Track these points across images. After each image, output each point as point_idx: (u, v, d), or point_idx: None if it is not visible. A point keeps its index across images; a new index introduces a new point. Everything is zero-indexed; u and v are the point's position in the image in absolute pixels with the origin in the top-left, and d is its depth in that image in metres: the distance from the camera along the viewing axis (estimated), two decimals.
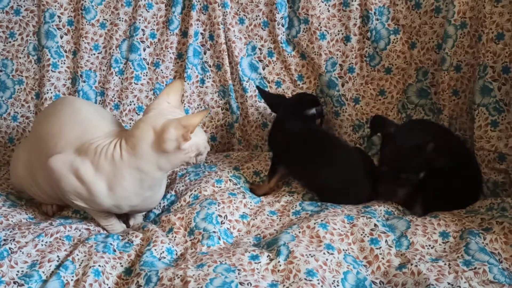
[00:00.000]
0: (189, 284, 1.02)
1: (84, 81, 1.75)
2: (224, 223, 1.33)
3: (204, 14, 1.76)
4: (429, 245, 1.19)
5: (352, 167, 1.45)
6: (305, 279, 1.04)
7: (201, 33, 1.78)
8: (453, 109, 1.59)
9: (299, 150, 1.49)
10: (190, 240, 1.28)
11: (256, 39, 1.77)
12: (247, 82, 1.78)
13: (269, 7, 1.74)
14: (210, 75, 1.79)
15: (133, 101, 1.77)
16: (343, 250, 1.17)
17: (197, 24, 1.76)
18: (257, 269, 1.09)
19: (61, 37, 1.75)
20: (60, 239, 1.26)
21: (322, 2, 1.69)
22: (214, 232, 1.27)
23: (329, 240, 1.19)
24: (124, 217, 1.45)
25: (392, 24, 1.65)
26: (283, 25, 1.74)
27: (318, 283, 1.03)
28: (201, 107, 1.81)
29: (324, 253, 1.13)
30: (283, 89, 1.79)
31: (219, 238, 1.27)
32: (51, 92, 1.75)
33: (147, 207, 1.40)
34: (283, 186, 1.56)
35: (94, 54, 1.76)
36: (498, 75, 1.47)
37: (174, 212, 1.39)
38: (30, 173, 1.41)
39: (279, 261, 1.10)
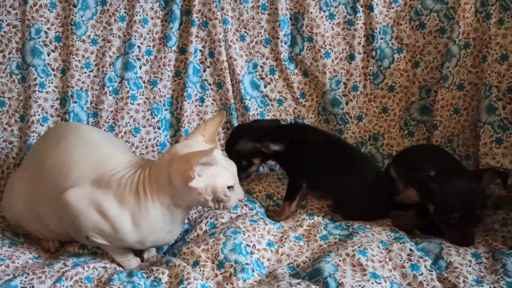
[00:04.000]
0: None
1: (75, 102, 1.62)
2: (253, 253, 1.28)
3: (204, 31, 1.69)
4: (466, 264, 1.21)
5: (378, 177, 1.46)
6: None
7: (200, 50, 1.70)
8: (453, 127, 1.65)
9: (322, 160, 1.46)
10: (221, 273, 1.22)
11: (258, 56, 1.73)
12: (249, 100, 1.73)
13: (271, 24, 1.71)
14: (210, 93, 1.73)
15: (129, 122, 1.66)
16: (387, 277, 1.16)
17: (196, 40, 1.69)
18: None
19: (48, 54, 1.61)
20: (81, 281, 1.16)
21: (327, 20, 1.68)
22: (247, 264, 1.22)
23: (371, 268, 1.17)
24: (137, 251, 1.36)
25: (396, 43, 1.67)
26: (285, 43, 1.71)
27: None
28: None
29: (372, 283, 1.11)
30: (284, 107, 1.76)
31: (253, 270, 1.21)
32: (38, 114, 1.60)
33: (168, 241, 1.31)
34: (298, 208, 1.54)
35: (85, 72, 1.63)
36: (503, 95, 1.53)
37: (196, 243, 1.32)
38: (31, 207, 1.28)
39: None
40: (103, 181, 1.19)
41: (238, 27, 1.71)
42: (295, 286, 1.10)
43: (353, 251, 1.23)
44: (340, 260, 1.20)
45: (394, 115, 1.72)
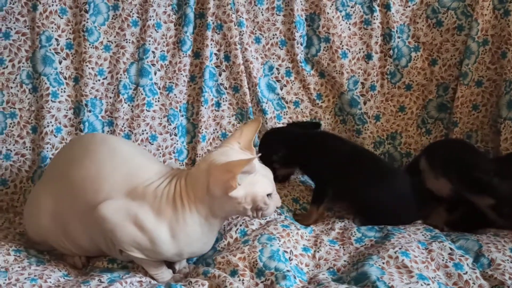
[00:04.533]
0: None
1: (90, 111, 1.56)
2: (292, 259, 1.26)
3: (218, 34, 1.66)
4: (507, 260, 1.21)
5: (404, 186, 1.45)
6: None
7: (215, 54, 1.67)
8: (472, 123, 1.66)
9: (349, 169, 1.45)
10: (262, 282, 1.18)
11: (274, 58, 1.71)
12: (266, 103, 1.70)
13: (286, 26, 1.68)
14: (226, 97, 1.69)
15: (145, 130, 1.62)
16: (433, 278, 1.15)
17: (211, 44, 1.65)
18: None
19: (60, 63, 1.54)
20: None
21: (343, 20, 1.67)
22: (288, 271, 1.19)
23: (417, 269, 1.16)
24: (168, 262, 1.32)
25: (413, 42, 1.67)
26: (301, 44, 1.69)
27: None
28: (217, 132, 1.70)
29: (421, 285, 1.10)
30: (301, 109, 1.74)
31: (295, 277, 1.19)
32: (52, 125, 1.54)
33: (203, 252, 1.27)
34: (325, 211, 1.52)
35: (99, 80, 1.58)
36: None
37: (230, 251, 1.28)
38: (59, 223, 1.23)
39: None
40: (138, 193, 1.14)
41: (253, 29, 1.69)
42: None
43: (395, 252, 1.21)
44: (384, 263, 1.18)
45: (411, 114, 1.72)
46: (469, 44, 1.59)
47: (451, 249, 1.24)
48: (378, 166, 1.50)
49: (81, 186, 1.18)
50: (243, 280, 1.20)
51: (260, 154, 1.06)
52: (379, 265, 1.18)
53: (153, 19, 1.60)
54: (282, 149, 1.48)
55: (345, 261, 1.28)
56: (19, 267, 1.20)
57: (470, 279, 1.16)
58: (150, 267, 1.24)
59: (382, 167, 1.48)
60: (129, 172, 1.18)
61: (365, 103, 1.71)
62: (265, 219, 1.42)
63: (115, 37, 1.58)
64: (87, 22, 1.53)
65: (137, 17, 1.60)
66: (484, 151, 1.64)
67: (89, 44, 1.55)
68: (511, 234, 1.33)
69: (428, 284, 1.11)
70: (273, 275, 1.19)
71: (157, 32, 1.61)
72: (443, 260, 1.21)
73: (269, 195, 1.15)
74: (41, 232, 1.27)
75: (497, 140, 1.60)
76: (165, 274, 1.26)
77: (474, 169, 1.40)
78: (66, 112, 1.56)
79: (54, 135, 1.54)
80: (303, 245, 1.33)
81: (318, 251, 1.31)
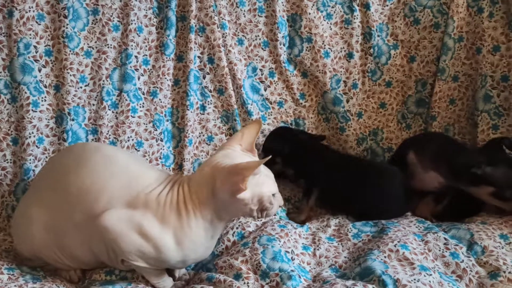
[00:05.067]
0: None
1: (73, 119, 1.51)
2: (294, 259, 1.27)
3: (201, 36, 1.64)
4: (499, 246, 1.27)
5: (392, 184, 1.49)
6: None
7: (199, 57, 1.65)
8: (449, 117, 1.72)
9: (336, 174, 1.51)
10: (267, 284, 1.19)
11: (257, 59, 1.71)
12: (251, 105, 1.70)
13: (269, 27, 1.69)
14: (211, 100, 1.68)
15: (131, 137, 1.58)
16: (432, 268, 1.19)
17: (194, 47, 1.63)
18: None
19: (40, 70, 1.48)
20: None
21: (324, 20, 1.69)
22: (292, 271, 1.20)
23: (417, 260, 1.20)
24: (168, 270, 1.30)
25: (392, 40, 1.72)
26: (284, 45, 1.70)
27: None
28: (203, 136, 1.68)
29: (424, 276, 1.14)
30: (285, 109, 1.75)
31: (299, 276, 1.20)
32: (34, 136, 1.47)
33: (205, 257, 1.26)
34: (318, 209, 1.54)
35: (81, 87, 1.52)
36: (497, 83, 1.62)
37: (230, 255, 1.28)
38: (54, 236, 1.18)
39: None
40: (140, 201, 1.12)
41: (236, 31, 1.68)
42: (352, 287, 1.10)
43: (395, 246, 1.25)
44: (385, 257, 1.22)
45: (392, 110, 1.77)
46: (445, 41, 1.65)
47: (445, 239, 1.30)
48: (364, 166, 1.59)
49: (78, 197, 1.14)
50: (248, 283, 1.20)
51: (270, 157, 1.05)
52: (381, 259, 1.21)
53: (135, 23, 1.56)
54: (287, 149, 1.56)
55: (345, 257, 1.31)
56: (15, 285, 1.15)
57: (467, 266, 1.21)
58: (151, 276, 1.22)
59: (367, 167, 1.57)
60: (127, 180, 1.15)
61: (347, 101, 1.74)
62: (260, 220, 1.43)
63: (96, 42, 1.54)
64: (66, 27, 1.48)
65: (118, 21, 1.55)
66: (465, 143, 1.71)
67: (70, 51, 1.49)
68: (497, 221, 1.40)
69: (430, 275, 1.15)
70: (278, 276, 1.19)
71: (139, 36, 1.58)
72: (439, 250, 1.26)
73: (273, 195, 1.15)
74: (34, 247, 1.22)
75: (474, 132, 1.67)
76: (167, 282, 1.24)
77: (468, 165, 1.46)
78: (48, 122, 1.50)
79: (37, 146, 1.48)
80: (303, 243, 1.35)
81: (318, 249, 1.33)
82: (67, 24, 1.48)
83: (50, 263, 1.25)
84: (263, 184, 1.12)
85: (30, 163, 1.47)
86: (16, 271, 1.22)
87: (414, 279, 1.12)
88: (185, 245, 1.13)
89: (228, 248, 1.35)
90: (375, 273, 1.15)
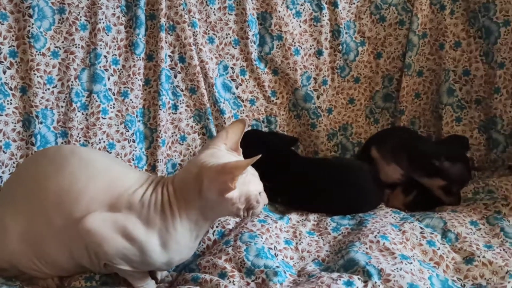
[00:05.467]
0: None
1: (41, 122, 1.45)
2: (277, 255, 1.28)
3: (171, 35, 1.62)
4: (470, 232, 1.33)
5: (363, 178, 1.54)
6: None
7: (169, 56, 1.63)
8: (415, 110, 1.79)
9: (305, 182, 1.53)
10: (253, 281, 1.19)
11: (228, 58, 1.70)
12: (223, 103, 1.70)
13: (239, 25, 1.69)
14: (183, 99, 1.66)
15: (102, 139, 1.54)
16: (411, 256, 1.23)
17: (165, 46, 1.61)
18: None
19: (4, 72, 1.42)
20: None
21: (294, 18, 1.71)
22: (277, 267, 1.21)
23: (397, 250, 1.24)
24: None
25: (359, 37, 1.76)
26: (254, 43, 1.71)
27: None
28: (176, 135, 1.66)
29: (406, 264, 1.18)
30: (257, 107, 1.76)
31: (284, 272, 1.21)
32: (0, 141, 1.41)
33: (188, 257, 1.25)
34: None
35: (49, 89, 1.47)
36: (459, 78, 1.70)
37: (212, 254, 1.28)
38: (31, 245, 1.13)
39: (375, 282, 1.11)
40: (122, 203, 1.10)
41: (206, 29, 1.67)
42: (339, 280, 1.12)
43: (375, 237, 1.29)
44: (367, 248, 1.25)
45: (360, 105, 1.82)
46: (410, 37, 1.72)
47: (421, 228, 1.35)
48: (332, 166, 1.63)
49: (56, 202, 1.10)
50: (233, 281, 1.20)
51: (259, 156, 1.05)
52: (363, 251, 1.24)
53: (103, 22, 1.52)
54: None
55: (327, 251, 1.33)
56: None
57: (443, 253, 1.26)
58: (135, 280, 1.19)
59: (335, 166, 1.61)
60: (108, 182, 1.12)
61: (318, 98, 1.77)
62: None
63: (63, 42, 1.48)
64: (31, 27, 1.42)
65: (86, 20, 1.51)
66: (427, 136, 1.78)
67: (36, 51, 1.43)
68: (466, 209, 1.47)
69: (411, 263, 1.19)
70: (263, 272, 1.20)
71: (108, 35, 1.54)
72: (416, 239, 1.30)
73: (259, 193, 1.16)
74: (9, 257, 1.16)
75: (439, 124, 1.75)
76: (150, 285, 1.22)
77: (428, 156, 1.52)
78: (15, 126, 1.44)
79: (3, 151, 1.42)
80: (284, 238, 1.36)
81: (300, 244, 1.35)
82: (32, 24, 1.42)
83: (26, 272, 1.20)
84: (250, 183, 1.12)
85: None
86: None
87: (397, 268, 1.15)
88: (171, 247, 1.12)
89: (210, 248, 1.35)
90: (359, 264, 1.17)
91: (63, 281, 1.26)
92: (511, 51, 1.62)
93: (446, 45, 1.69)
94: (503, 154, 1.70)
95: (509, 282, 1.12)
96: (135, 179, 1.16)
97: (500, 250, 1.24)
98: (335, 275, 1.16)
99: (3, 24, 1.41)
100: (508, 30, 1.62)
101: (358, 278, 1.13)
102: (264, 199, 1.18)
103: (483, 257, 1.21)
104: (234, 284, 1.19)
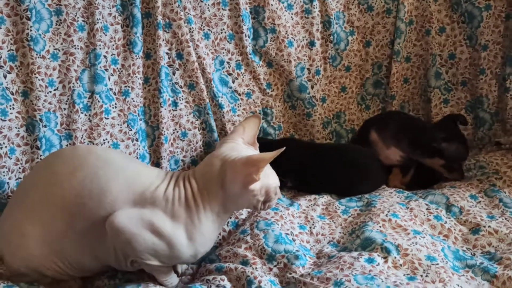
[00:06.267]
0: None
1: (45, 126, 1.44)
2: (295, 240, 1.32)
3: (168, 33, 1.63)
4: (472, 205, 1.42)
5: (367, 160, 1.60)
6: (432, 264, 1.14)
7: (167, 53, 1.64)
8: (404, 95, 1.87)
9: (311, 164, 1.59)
10: (275, 266, 1.23)
11: (223, 53, 1.73)
12: (221, 98, 1.72)
13: (233, 20, 1.71)
14: (182, 96, 1.67)
15: (106, 139, 1.53)
16: (422, 231, 1.30)
17: (163, 43, 1.62)
18: (382, 270, 1.14)
19: (5, 77, 1.39)
20: None
21: (286, 11, 1.75)
22: (297, 251, 1.25)
23: (409, 226, 1.31)
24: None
25: (348, 27, 1.82)
26: (249, 36, 1.74)
27: (442, 264, 1.15)
28: (177, 132, 1.68)
29: (419, 239, 1.25)
30: (253, 99, 1.80)
31: (304, 255, 1.26)
32: (5, 147, 1.39)
33: (209, 249, 1.27)
34: None
35: (51, 91, 1.46)
36: (445, 61, 1.79)
37: (231, 244, 1.31)
38: (53, 249, 1.13)
39: (395, 257, 1.18)
40: (146, 199, 1.11)
41: (201, 25, 1.69)
42: (360, 258, 1.18)
43: (386, 216, 1.35)
44: (380, 227, 1.31)
45: (352, 93, 1.88)
46: (398, 25, 1.79)
47: (426, 204, 1.42)
48: (336, 149, 1.70)
49: (77, 203, 1.10)
50: (256, 268, 1.23)
51: (284, 149, 1.08)
52: (378, 229, 1.30)
53: (100, 22, 1.52)
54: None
55: (340, 232, 1.38)
56: None
57: (450, 226, 1.34)
58: (161, 274, 1.21)
59: (338, 150, 1.69)
60: (128, 180, 1.13)
61: (312, 87, 1.82)
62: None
63: (62, 44, 1.47)
64: (30, 30, 1.40)
65: (83, 21, 1.50)
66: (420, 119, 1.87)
67: (36, 54, 1.42)
68: (463, 184, 1.56)
69: (424, 237, 1.26)
70: (284, 257, 1.24)
71: (106, 35, 1.53)
72: (424, 215, 1.38)
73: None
74: (30, 262, 1.15)
75: (427, 107, 1.83)
76: (174, 279, 1.25)
77: (428, 139, 1.60)
78: (18, 131, 1.42)
79: (9, 157, 1.40)
80: (298, 223, 1.41)
81: (313, 227, 1.40)
82: (31, 27, 1.40)
83: (48, 276, 1.20)
84: (269, 176, 1.17)
85: (4, 175, 1.38)
86: (15, 287, 1.16)
87: (412, 243, 1.22)
88: (196, 239, 1.14)
89: (226, 239, 1.38)
90: (376, 242, 1.23)
91: (85, 282, 1.26)
92: (493, 34, 1.72)
93: (432, 31, 1.77)
94: (489, 131, 1.80)
95: None
96: (155, 175, 1.18)
97: (503, 219, 1.33)
98: (355, 254, 1.21)
99: (0, 28, 1.39)
100: (490, 14, 1.72)
101: (378, 255, 1.19)
102: (278, 192, 1.22)
103: (489, 226, 1.30)
104: (257, 271, 1.22)
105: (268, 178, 1.16)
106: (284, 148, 1.07)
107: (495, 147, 1.75)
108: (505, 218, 1.33)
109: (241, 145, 1.20)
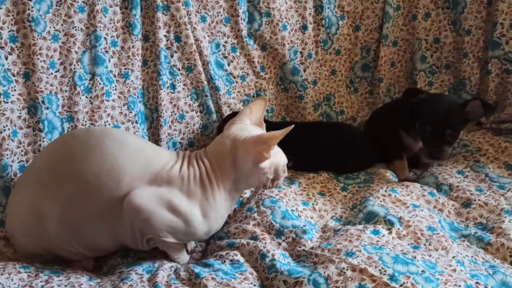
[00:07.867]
0: (368, 270, 1.08)
1: (47, 108, 1.43)
2: (300, 215, 1.38)
3: (166, 15, 1.63)
4: (460, 181, 1.51)
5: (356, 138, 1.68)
6: (434, 234, 1.23)
7: (165, 35, 1.65)
8: (391, 78, 1.95)
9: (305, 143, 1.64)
10: (283, 241, 1.29)
11: (219, 36, 1.75)
12: (218, 80, 1.75)
13: (229, 3, 1.74)
14: (180, 78, 1.69)
15: (107, 121, 1.54)
16: (420, 205, 1.39)
17: (162, 25, 1.63)
18: (387, 241, 1.22)
19: (6, 58, 1.37)
20: (171, 283, 1.12)
21: None
22: (304, 225, 1.31)
23: (408, 200, 1.39)
24: None
25: (339, 11, 1.88)
26: (244, 20, 1.77)
27: (442, 234, 1.23)
28: (175, 114, 1.69)
29: (418, 211, 1.33)
30: (247, 82, 1.83)
31: (311, 230, 1.32)
32: (8, 129, 1.37)
33: (221, 226, 1.32)
34: None
35: (52, 73, 1.44)
36: (430, 45, 1.88)
37: (239, 222, 1.36)
38: (70, 227, 1.15)
39: (398, 228, 1.25)
40: (163, 178, 1.14)
41: (198, 8, 1.70)
42: (366, 230, 1.25)
43: (385, 191, 1.43)
44: (381, 201, 1.39)
45: (341, 76, 1.95)
46: (387, 10, 1.86)
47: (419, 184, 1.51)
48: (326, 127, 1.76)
49: (97, 183, 1.12)
50: (265, 243, 1.28)
51: (292, 126, 1.12)
52: (379, 204, 1.37)
53: (100, 3, 1.51)
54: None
55: (341, 208, 1.45)
56: (41, 281, 1.11)
57: (443, 202, 1.43)
58: (174, 251, 1.25)
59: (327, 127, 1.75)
60: (145, 160, 1.16)
61: (304, 70, 1.88)
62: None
63: (62, 25, 1.45)
64: (31, 10, 1.38)
65: (83, 2, 1.49)
66: None
67: (38, 35, 1.40)
68: (449, 161, 1.65)
69: (422, 210, 1.34)
70: (292, 232, 1.29)
71: (105, 17, 1.53)
72: (419, 191, 1.46)
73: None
74: (46, 243, 1.17)
75: None
76: (185, 256, 1.29)
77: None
78: (20, 113, 1.40)
79: (12, 140, 1.38)
80: (301, 200, 1.47)
81: (316, 204, 1.46)
82: (32, 7, 1.38)
83: (62, 256, 1.21)
84: (277, 154, 1.22)
85: (7, 158, 1.37)
86: (32, 268, 1.17)
87: (413, 215, 1.30)
88: (211, 216, 1.18)
89: (232, 217, 1.42)
90: (379, 215, 1.31)
91: (98, 262, 1.28)
92: (476, 19, 1.82)
93: (418, 16, 1.85)
94: None
95: (505, 217, 1.30)
96: (168, 156, 1.21)
97: (490, 192, 1.43)
98: (360, 226, 1.28)
99: (1, 8, 1.36)
100: (473, 0, 1.81)
101: (382, 227, 1.26)
102: (286, 170, 1.28)
103: (479, 200, 1.39)
104: (266, 245, 1.27)
105: (277, 156, 1.21)
106: (293, 125, 1.12)
107: (476, 127, 1.86)
108: (493, 191, 1.43)
109: (249, 126, 1.24)
